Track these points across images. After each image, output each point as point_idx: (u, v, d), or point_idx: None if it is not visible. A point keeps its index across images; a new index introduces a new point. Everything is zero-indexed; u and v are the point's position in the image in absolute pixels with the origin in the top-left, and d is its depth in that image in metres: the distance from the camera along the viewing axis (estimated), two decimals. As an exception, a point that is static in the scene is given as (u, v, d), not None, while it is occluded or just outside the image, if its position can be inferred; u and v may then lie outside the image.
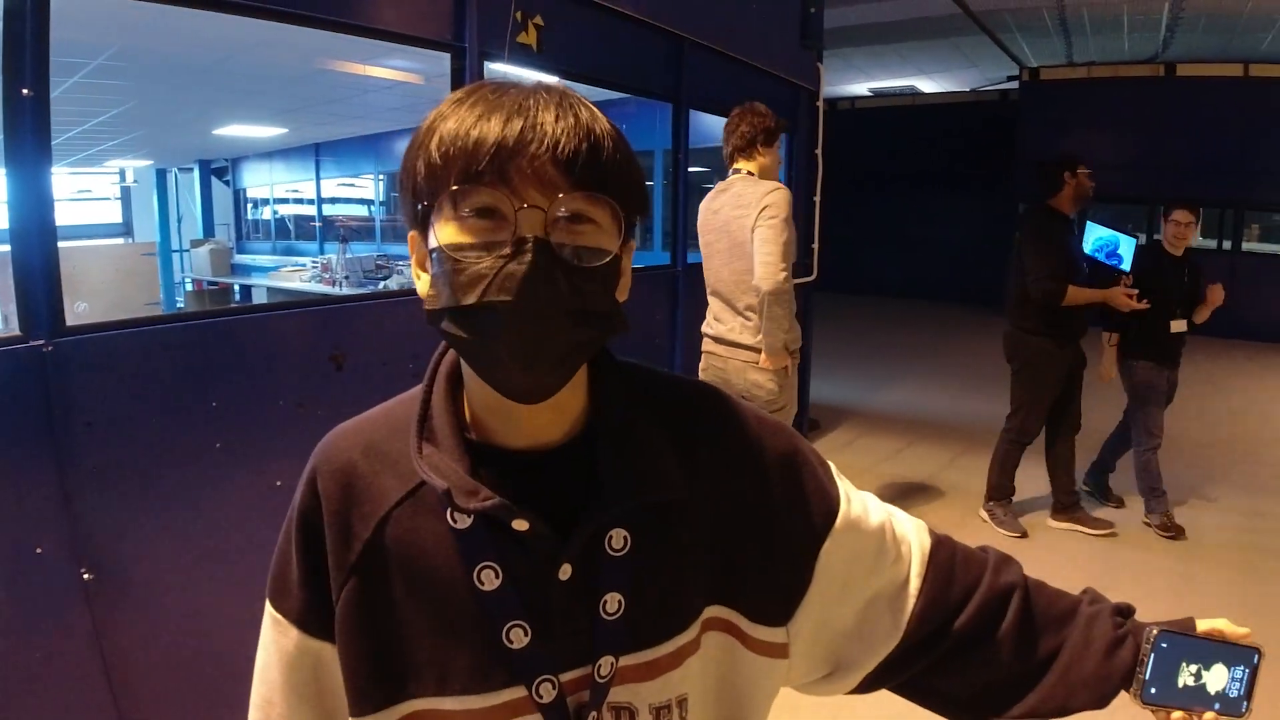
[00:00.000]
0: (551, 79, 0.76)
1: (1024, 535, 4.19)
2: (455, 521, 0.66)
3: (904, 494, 4.77)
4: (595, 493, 0.67)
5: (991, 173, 12.87)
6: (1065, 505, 4.27)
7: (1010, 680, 0.80)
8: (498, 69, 2.85)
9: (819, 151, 5.39)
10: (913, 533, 0.83)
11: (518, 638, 0.65)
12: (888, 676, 0.80)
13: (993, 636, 0.79)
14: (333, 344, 2.43)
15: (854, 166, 12.12)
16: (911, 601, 0.79)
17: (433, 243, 0.63)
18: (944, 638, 0.79)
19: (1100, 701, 0.79)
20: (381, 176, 9.67)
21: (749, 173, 3.01)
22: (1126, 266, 4.27)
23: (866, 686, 0.81)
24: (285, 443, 2.26)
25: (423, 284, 0.66)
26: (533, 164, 0.59)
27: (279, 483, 2.24)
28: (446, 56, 2.81)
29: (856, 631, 0.79)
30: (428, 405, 0.70)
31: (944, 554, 0.82)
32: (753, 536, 0.73)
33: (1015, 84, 12.69)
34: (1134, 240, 4.35)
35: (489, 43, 2.79)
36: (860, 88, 13.80)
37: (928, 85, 13.86)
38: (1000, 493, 4.32)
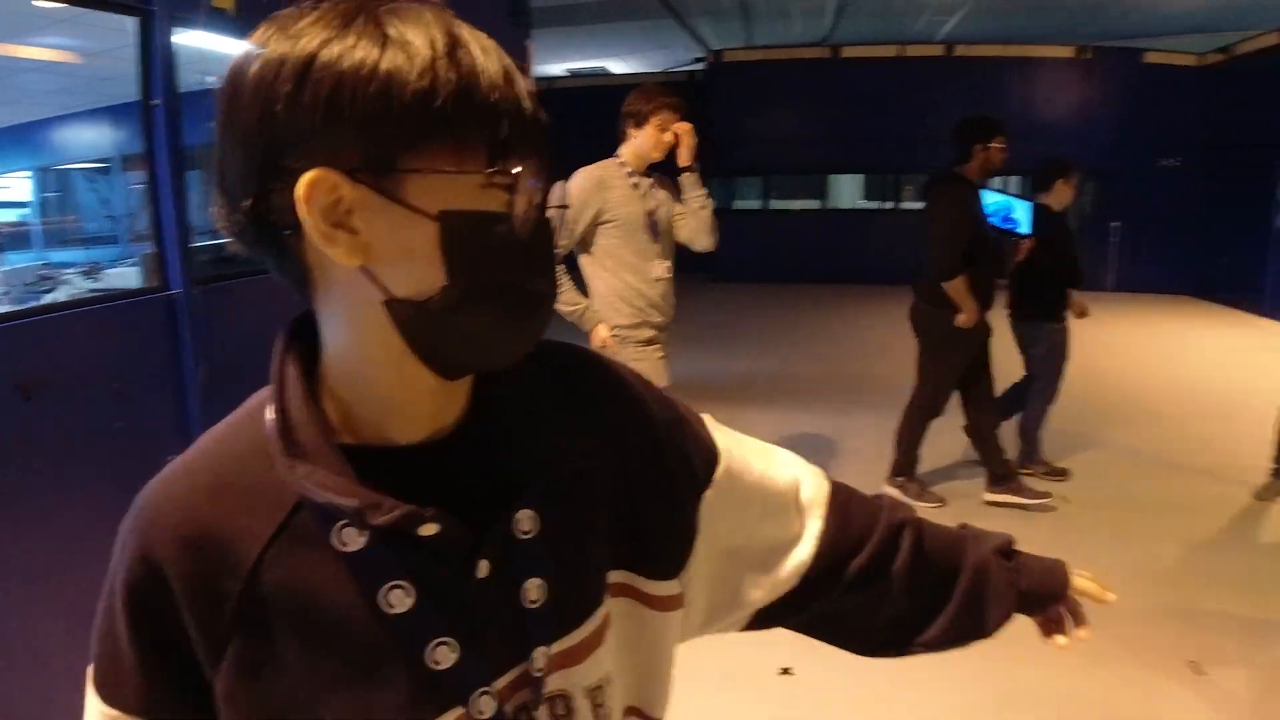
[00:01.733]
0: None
1: (943, 503, 4.25)
2: (345, 545, 0.57)
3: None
4: (503, 475, 0.63)
5: (683, 151, 13.62)
6: (1000, 477, 4.28)
7: (908, 612, 0.85)
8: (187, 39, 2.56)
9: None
10: (808, 477, 0.85)
11: (444, 656, 0.59)
12: (785, 614, 0.82)
13: (888, 571, 0.83)
14: (12, 370, 2.07)
15: (555, 148, 12.24)
16: (809, 543, 0.81)
17: (424, 203, 0.55)
18: (842, 575, 0.82)
19: (996, 626, 0.87)
20: (33, 173, 8.25)
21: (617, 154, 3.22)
22: (1024, 229, 4.51)
23: (761, 624, 0.83)
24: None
25: (342, 248, 0.56)
26: (536, 127, 0.58)
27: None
28: (112, 31, 2.51)
29: (752, 575, 0.80)
30: (287, 417, 0.59)
31: (841, 497, 0.85)
32: (642, 494, 0.72)
33: (702, 65, 13.43)
34: (1028, 204, 4.57)
35: (181, 6, 2.49)
36: (557, 68, 13.75)
37: (619, 66, 14.14)
38: (909, 467, 4.33)
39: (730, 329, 9.40)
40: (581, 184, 3.12)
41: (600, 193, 3.12)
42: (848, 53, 12.77)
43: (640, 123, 3.16)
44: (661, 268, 3.25)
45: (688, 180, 3.27)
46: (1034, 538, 4.02)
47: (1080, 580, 0.89)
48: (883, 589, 0.83)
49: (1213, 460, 5.11)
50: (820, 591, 0.82)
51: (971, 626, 0.87)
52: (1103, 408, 6.15)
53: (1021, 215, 4.53)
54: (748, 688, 2.87)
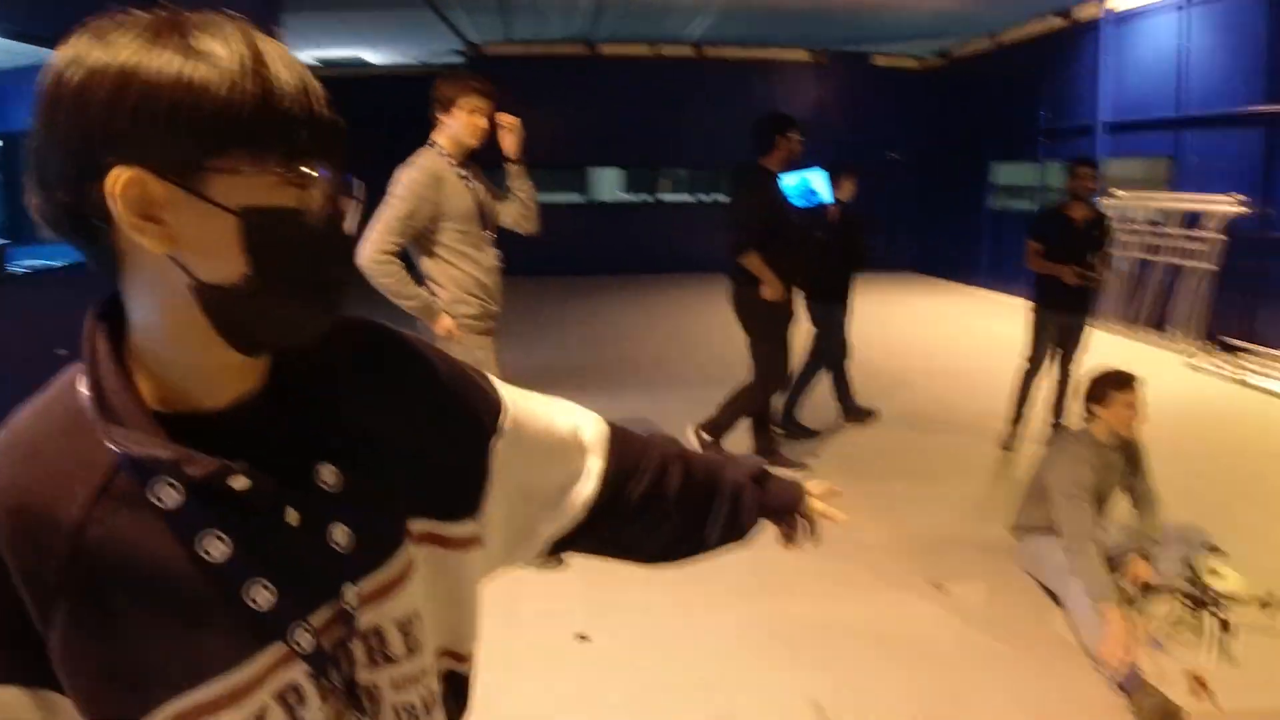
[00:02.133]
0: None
1: None
2: (163, 502, 0.62)
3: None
4: (305, 434, 0.70)
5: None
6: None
7: (680, 527, 1.02)
8: None
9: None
10: (588, 422, 0.97)
11: (262, 597, 0.65)
12: (577, 542, 0.94)
13: (663, 496, 0.99)
14: None
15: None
16: (592, 479, 0.93)
17: (226, 199, 0.61)
18: (624, 503, 0.95)
19: (748, 529, 1.07)
20: None
21: (433, 142, 3.19)
22: (828, 198, 4.89)
23: (556, 551, 0.95)
24: None
25: (151, 238, 0.61)
26: (330, 130, 0.65)
27: None
28: None
29: (544, 512, 0.90)
30: (102, 387, 0.64)
31: (618, 437, 0.99)
32: (435, 446, 0.80)
33: (461, 59, 13.13)
34: (822, 172, 4.96)
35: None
36: (306, 57, 12.92)
37: (374, 57, 13.58)
38: (722, 431, 4.54)
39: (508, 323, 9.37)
40: (418, 180, 3.08)
41: (437, 190, 3.11)
42: (606, 50, 13.19)
43: (447, 108, 3.16)
44: (494, 256, 3.33)
45: (515, 171, 3.41)
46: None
47: (814, 501, 1.11)
48: (659, 511, 0.99)
49: (947, 413, 5.90)
50: (606, 519, 0.94)
51: (729, 533, 1.06)
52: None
53: (821, 185, 5.04)
54: (546, 656, 2.98)
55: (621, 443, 0.98)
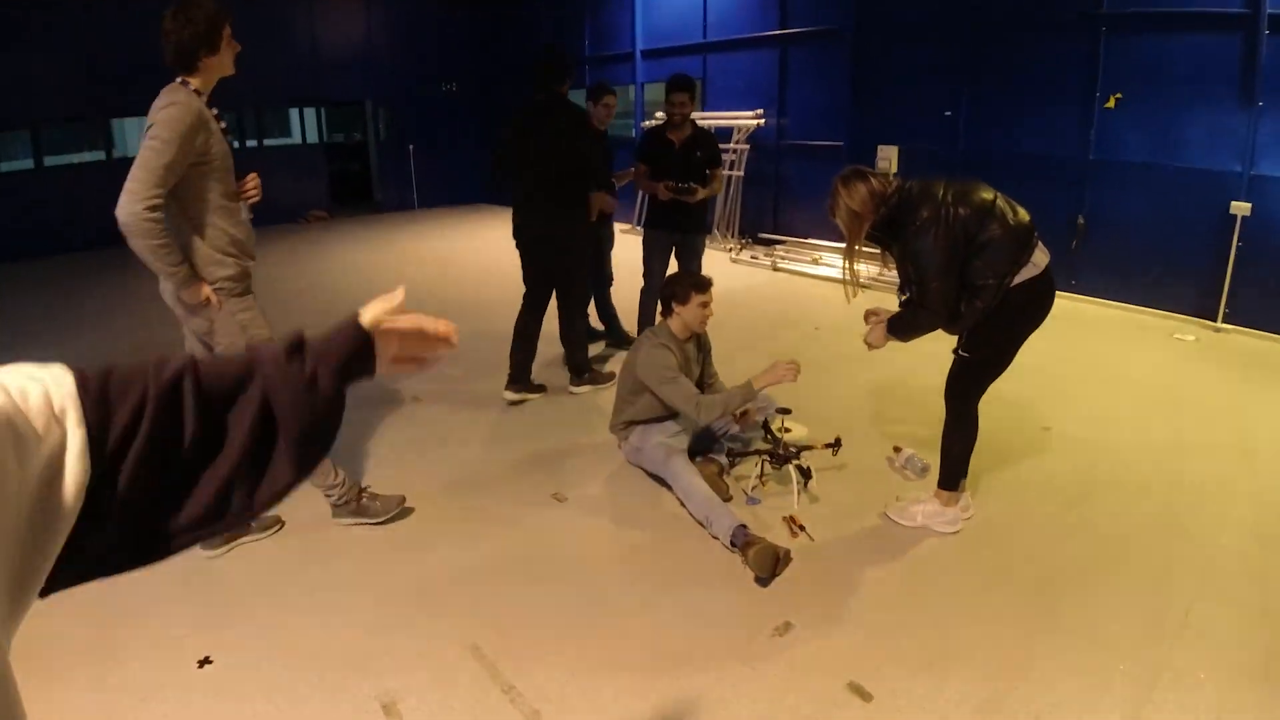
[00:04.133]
0: None
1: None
2: None
3: None
4: None
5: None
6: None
7: (227, 466, 0.74)
8: None
9: None
10: (47, 381, 0.67)
11: None
12: (91, 536, 0.66)
13: (181, 437, 0.72)
14: None
15: None
16: (76, 454, 0.65)
17: None
18: (137, 465, 0.68)
19: (328, 412, 0.81)
20: None
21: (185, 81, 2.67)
22: None
23: (79, 578, 0.68)
24: None
25: None
26: None
27: None
28: None
29: (33, 525, 0.62)
30: None
31: (93, 386, 0.69)
32: None
33: None
34: None
35: None
36: None
37: None
38: (586, 367, 4.81)
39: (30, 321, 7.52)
40: (183, 120, 2.57)
41: (203, 132, 2.63)
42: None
43: (213, 44, 2.66)
44: (245, 208, 2.92)
45: None
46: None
47: (370, 313, 0.89)
48: (185, 455, 0.73)
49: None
50: (117, 494, 0.68)
51: (305, 422, 0.79)
52: (442, 304, 6.65)
53: None
54: (168, 686, 2.36)
55: (99, 390, 0.70)
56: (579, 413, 4.45)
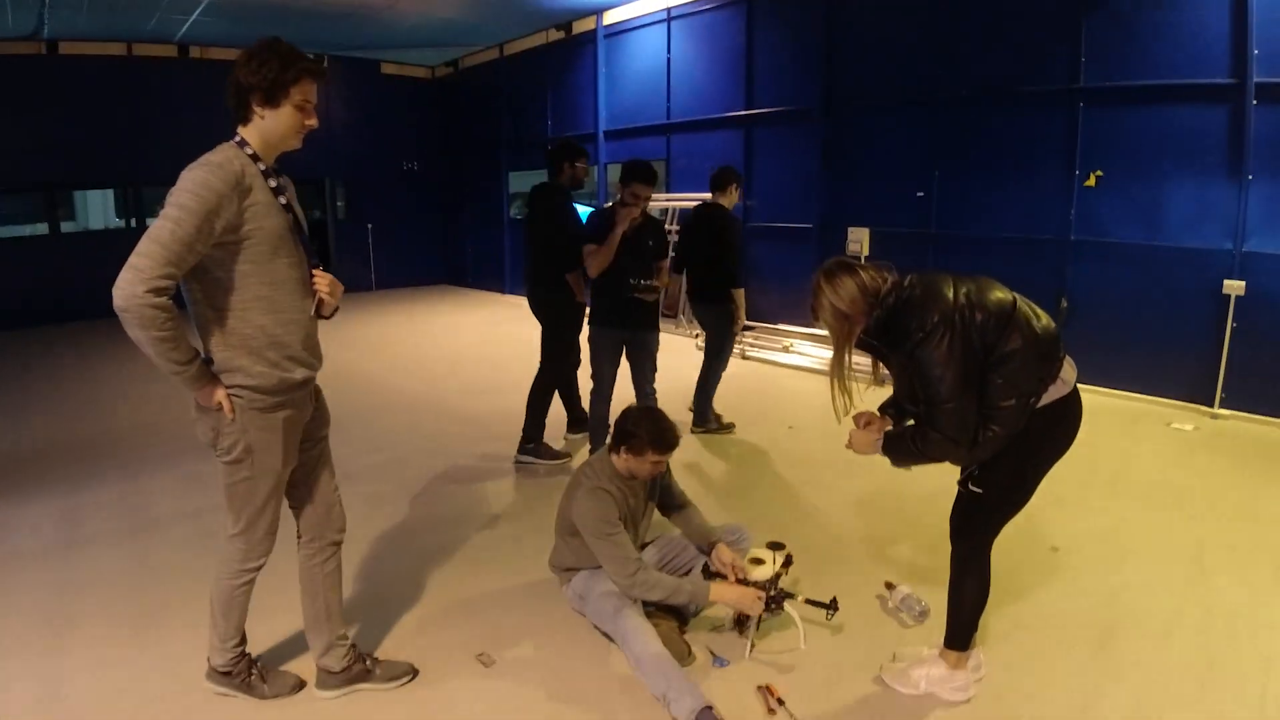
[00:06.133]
0: None
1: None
2: None
3: None
4: None
5: None
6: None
7: None
8: None
9: None
10: None
11: None
12: None
13: None
14: None
15: None
16: None
17: None
18: None
19: None
20: None
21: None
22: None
23: None
24: None
25: None
26: None
27: None
28: None
29: None
30: None
31: None
32: None
33: None
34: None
35: None
36: None
37: None
38: (539, 434, 4.88)
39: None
40: (210, 185, 2.05)
41: (235, 202, 2.10)
42: (66, 49, 10.67)
43: (275, 99, 2.20)
44: (309, 304, 2.37)
45: None
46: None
47: None
48: None
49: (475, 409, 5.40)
50: None
51: None
52: (383, 400, 6.11)
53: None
54: None
55: None
56: (511, 541, 3.85)
